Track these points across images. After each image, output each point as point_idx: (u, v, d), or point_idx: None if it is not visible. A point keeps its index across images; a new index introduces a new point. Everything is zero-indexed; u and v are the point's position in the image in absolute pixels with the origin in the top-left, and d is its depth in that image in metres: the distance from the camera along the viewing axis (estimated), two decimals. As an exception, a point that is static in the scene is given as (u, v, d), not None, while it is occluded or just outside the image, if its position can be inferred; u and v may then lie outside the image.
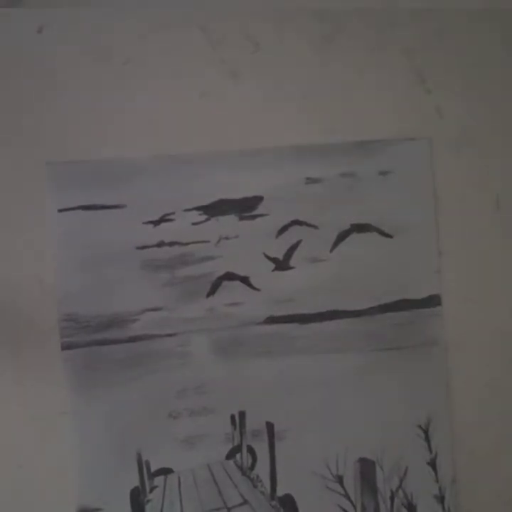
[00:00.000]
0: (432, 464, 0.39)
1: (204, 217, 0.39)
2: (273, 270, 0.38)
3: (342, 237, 0.38)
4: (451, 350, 0.38)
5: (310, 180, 0.36)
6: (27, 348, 0.39)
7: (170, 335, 0.38)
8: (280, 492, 0.40)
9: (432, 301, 0.38)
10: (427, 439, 0.39)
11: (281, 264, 0.38)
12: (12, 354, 0.38)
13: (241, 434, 0.39)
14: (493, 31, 0.38)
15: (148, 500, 0.39)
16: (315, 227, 0.38)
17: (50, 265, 0.36)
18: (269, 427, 0.39)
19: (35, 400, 0.38)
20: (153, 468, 0.39)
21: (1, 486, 0.38)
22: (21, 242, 0.38)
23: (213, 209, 0.38)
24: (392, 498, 0.39)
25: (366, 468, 0.39)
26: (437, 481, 0.39)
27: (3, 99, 0.37)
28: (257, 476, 0.38)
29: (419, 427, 0.38)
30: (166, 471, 0.38)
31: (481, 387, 0.39)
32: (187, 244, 0.39)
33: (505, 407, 0.39)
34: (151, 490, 0.39)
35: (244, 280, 0.39)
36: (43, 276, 0.37)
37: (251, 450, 0.39)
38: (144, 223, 0.37)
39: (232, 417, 0.38)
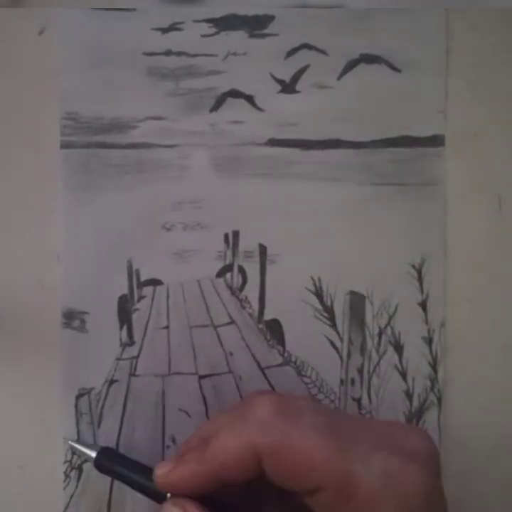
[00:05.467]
0: (423, 305, 0.39)
1: (213, 30, 0.38)
2: (278, 92, 0.37)
3: (350, 66, 0.37)
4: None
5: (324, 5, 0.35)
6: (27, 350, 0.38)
7: (170, 146, 0.37)
8: (267, 316, 0.39)
9: (435, 140, 0.37)
10: (420, 280, 0.38)
11: (287, 87, 0.38)
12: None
13: (233, 253, 0.38)
14: (495, 31, 0.37)
15: (135, 309, 0.39)
16: (324, 53, 0.37)
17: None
18: (262, 249, 0.38)
19: (35, 400, 0.37)
20: (142, 278, 0.39)
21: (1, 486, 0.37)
22: None
23: (223, 23, 0.37)
24: (379, 335, 0.39)
25: (356, 302, 0.39)
26: (427, 322, 0.38)
27: (3, 100, 0.36)
28: (246, 298, 0.38)
29: (413, 266, 0.38)
30: (155, 282, 0.38)
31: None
32: (194, 55, 0.38)
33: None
34: (139, 299, 0.39)
35: (249, 99, 0.38)
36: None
37: (242, 270, 0.39)
38: (152, 29, 0.36)
39: (226, 236, 0.37)
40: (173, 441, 0.38)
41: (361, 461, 0.25)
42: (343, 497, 0.25)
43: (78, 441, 0.36)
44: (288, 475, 0.26)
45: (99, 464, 0.34)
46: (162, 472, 0.28)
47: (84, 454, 0.35)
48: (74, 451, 0.36)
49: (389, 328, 0.38)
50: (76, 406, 0.37)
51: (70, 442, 0.36)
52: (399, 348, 0.39)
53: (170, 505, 0.27)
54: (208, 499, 0.28)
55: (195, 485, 0.27)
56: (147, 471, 0.31)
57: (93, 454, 0.34)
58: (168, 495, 0.29)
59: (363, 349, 0.38)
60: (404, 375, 0.38)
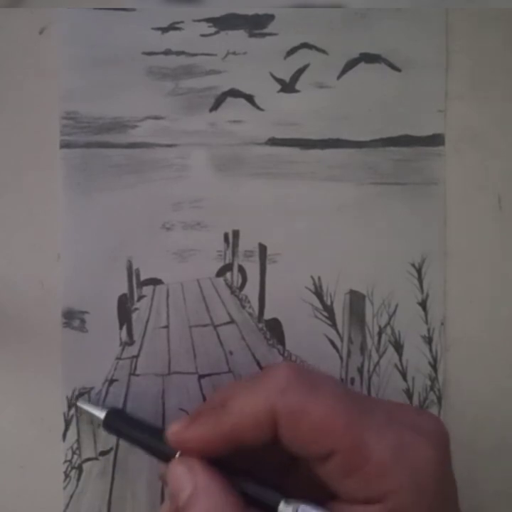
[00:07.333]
0: (423, 304, 0.39)
1: (213, 29, 0.38)
2: (278, 91, 0.37)
3: (350, 65, 0.37)
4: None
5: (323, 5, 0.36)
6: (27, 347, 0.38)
7: (170, 145, 0.37)
8: (267, 315, 0.39)
9: (435, 139, 0.37)
10: (420, 279, 0.38)
11: (287, 87, 0.38)
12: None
13: (233, 253, 0.38)
14: (495, 31, 0.37)
15: (135, 309, 0.39)
16: (324, 52, 0.37)
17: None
18: (262, 248, 0.38)
19: (36, 400, 0.37)
20: (142, 278, 0.39)
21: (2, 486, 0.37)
22: None
23: (223, 22, 0.37)
24: (379, 334, 0.39)
25: (356, 301, 0.39)
26: (427, 322, 0.38)
27: (3, 99, 0.36)
28: (246, 297, 0.38)
29: (413, 265, 0.38)
30: (155, 282, 0.38)
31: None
32: (194, 55, 0.38)
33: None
34: (139, 299, 0.39)
35: (249, 98, 0.38)
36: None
37: (242, 270, 0.39)
38: (152, 29, 0.36)
39: (226, 235, 0.37)
40: (173, 440, 0.37)
41: (375, 432, 0.25)
42: (354, 464, 0.25)
43: (87, 403, 0.36)
44: (303, 439, 0.26)
45: (108, 425, 0.33)
46: (175, 429, 0.28)
47: (93, 415, 0.34)
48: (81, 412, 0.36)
49: (389, 327, 0.38)
50: (76, 406, 0.37)
51: (79, 404, 0.36)
52: (399, 348, 0.39)
53: (176, 463, 0.27)
54: (217, 462, 0.28)
55: (208, 445, 0.27)
56: (157, 431, 0.31)
57: (102, 416, 0.34)
58: (177, 455, 0.28)
59: (362, 348, 0.38)
60: (404, 375, 0.38)
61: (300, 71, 0.38)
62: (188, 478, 0.26)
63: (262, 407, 0.25)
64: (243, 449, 0.27)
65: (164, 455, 0.29)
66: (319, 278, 0.38)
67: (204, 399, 0.38)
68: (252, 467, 0.29)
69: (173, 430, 0.28)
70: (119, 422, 0.33)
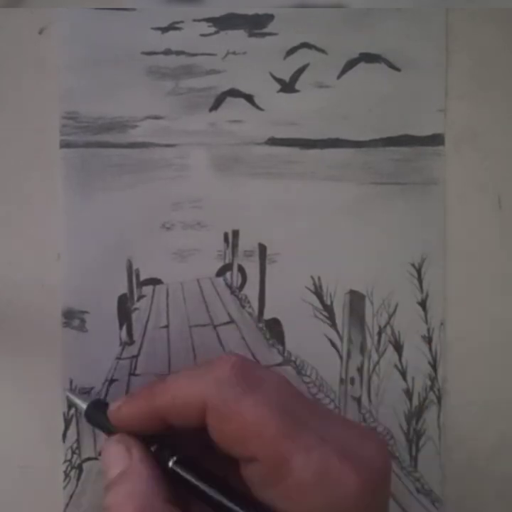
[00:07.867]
0: (423, 304, 0.39)
1: (213, 29, 0.38)
2: (278, 91, 0.37)
3: (350, 65, 0.37)
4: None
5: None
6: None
7: (169, 145, 0.37)
8: (267, 315, 0.39)
9: (435, 139, 0.37)
10: (420, 279, 0.38)
11: (287, 86, 0.38)
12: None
13: (233, 252, 0.38)
14: (495, 31, 0.37)
15: (135, 309, 0.39)
16: (324, 52, 0.37)
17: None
18: (262, 248, 0.38)
19: (36, 400, 0.37)
20: (142, 278, 0.39)
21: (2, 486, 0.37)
22: None
23: (223, 22, 0.37)
24: (379, 334, 0.39)
25: (356, 301, 0.39)
26: (426, 321, 0.38)
27: (3, 99, 0.36)
28: (246, 297, 0.38)
29: (413, 265, 0.38)
30: (155, 282, 0.38)
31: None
32: (194, 55, 0.38)
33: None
34: (139, 299, 0.39)
35: (249, 98, 0.38)
36: None
37: (241, 270, 0.39)
38: (152, 29, 0.36)
39: (225, 235, 0.37)
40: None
41: (301, 452, 0.24)
42: (276, 476, 0.24)
43: (75, 393, 0.36)
44: (227, 437, 0.25)
45: (88, 415, 0.34)
46: (114, 407, 0.29)
47: (77, 405, 0.35)
48: (69, 404, 0.36)
49: (389, 327, 0.38)
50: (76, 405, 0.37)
51: (67, 393, 0.36)
52: (399, 347, 0.39)
53: (115, 441, 0.28)
54: (158, 440, 0.28)
55: (141, 422, 0.27)
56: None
57: (84, 406, 0.34)
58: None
59: (362, 348, 0.38)
60: (404, 374, 0.38)
61: (300, 71, 0.38)
62: (122, 456, 0.27)
63: (194, 396, 0.25)
64: (176, 429, 0.27)
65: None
66: (319, 278, 0.38)
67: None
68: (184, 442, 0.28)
69: (112, 408, 0.29)
70: (99, 414, 0.33)
